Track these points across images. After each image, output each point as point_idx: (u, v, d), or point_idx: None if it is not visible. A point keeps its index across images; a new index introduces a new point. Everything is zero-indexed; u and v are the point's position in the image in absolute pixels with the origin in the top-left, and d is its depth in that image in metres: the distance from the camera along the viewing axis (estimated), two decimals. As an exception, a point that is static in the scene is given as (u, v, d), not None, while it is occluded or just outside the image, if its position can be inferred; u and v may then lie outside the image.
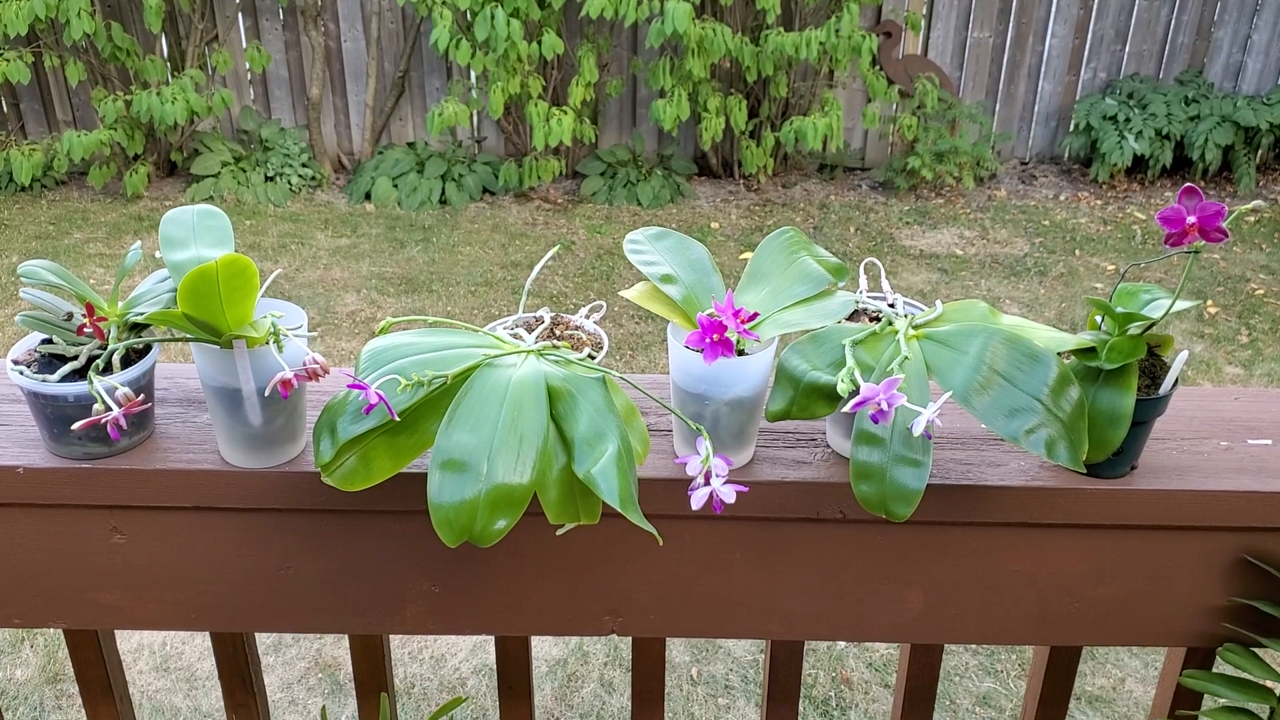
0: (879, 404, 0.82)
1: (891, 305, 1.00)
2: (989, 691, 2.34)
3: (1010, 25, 5.46)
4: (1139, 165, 5.46)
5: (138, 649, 2.43)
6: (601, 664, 2.42)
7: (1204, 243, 0.87)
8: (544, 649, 2.45)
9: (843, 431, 1.00)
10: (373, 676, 1.23)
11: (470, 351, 0.91)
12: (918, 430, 0.84)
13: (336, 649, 2.43)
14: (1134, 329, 0.94)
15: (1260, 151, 5.33)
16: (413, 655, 2.44)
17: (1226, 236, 0.87)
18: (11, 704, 2.29)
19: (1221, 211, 0.86)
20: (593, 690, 2.35)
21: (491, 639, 2.40)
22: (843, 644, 2.46)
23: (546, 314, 1.03)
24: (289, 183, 5.27)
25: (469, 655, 2.44)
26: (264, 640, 2.44)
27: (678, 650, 2.45)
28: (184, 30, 5.21)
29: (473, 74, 5.16)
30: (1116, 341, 0.92)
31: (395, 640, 2.45)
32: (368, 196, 5.23)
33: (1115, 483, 0.98)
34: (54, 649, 2.43)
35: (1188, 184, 0.88)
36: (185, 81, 4.97)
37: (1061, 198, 5.37)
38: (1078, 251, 4.78)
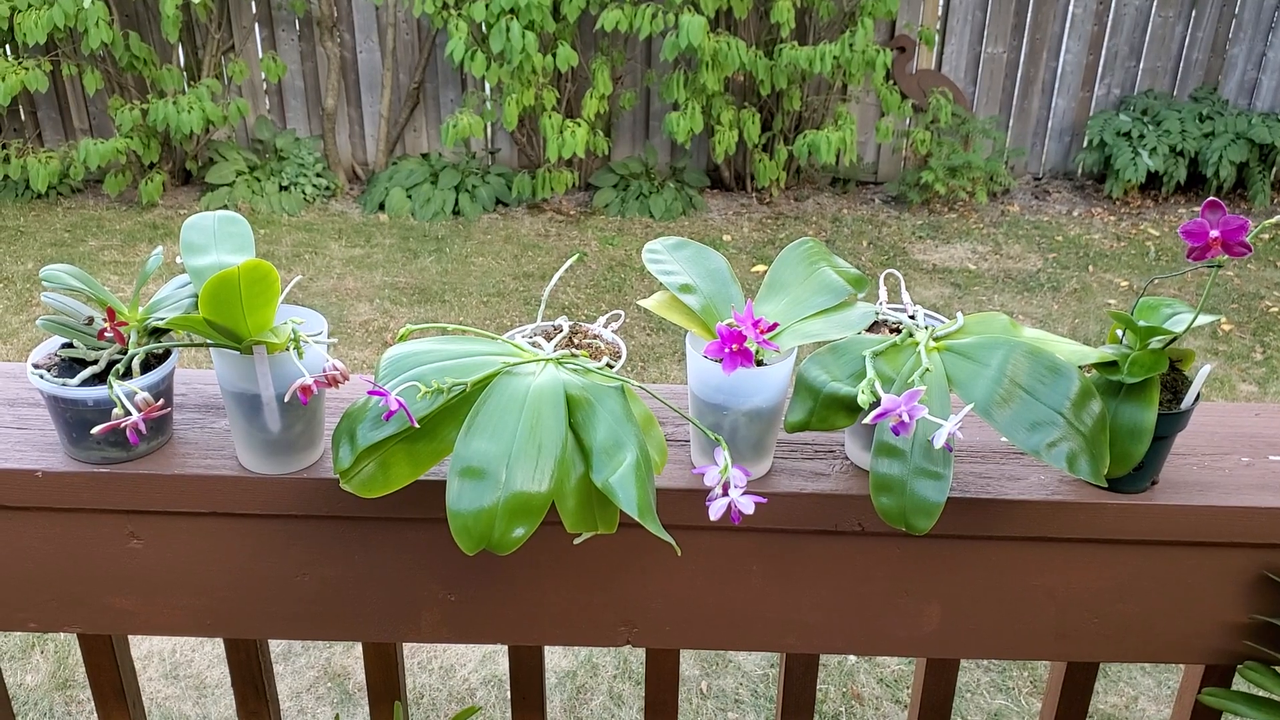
0: (900, 416, 0.82)
1: (912, 317, 1.00)
2: (1000, 709, 2.32)
3: (1024, 41, 5.46)
4: (1153, 182, 5.45)
5: (147, 656, 2.43)
6: (611, 676, 2.41)
7: (1226, 257, 0.87)
8: (553, 661, 2.45)
9: (861, 444, 1.00)
10: (386, 685, 1.22)
11: (489, 359, 0.91)
12: (939, 443, 0.83)
13: (346, 658, 2.43)
14: (1156, 343, 0.93)
15: (1275, 168, 5.31)
16: (422, 665, 2.43)
17: (1249, 250, 0.87)
18: (22, 709, 2.29)
19: (1245, 225, 0.86)
20: (602, 703, 2.34)
21: (501, 649, 2.40)
22: (853, 659, 2.45)
23: (565, 323, 1.03)
24: (303, 192, 5.29)
25: (478, 666, 2.43)
26: (273, 649, 2.44)
27: (687, 664, 2.44)
28: (201, 40, 5.24)
29: (487, 86, 5.18)
30: (1139, 355, 0.92)
31: (405, 649, 2.45)
32: (381, 207, 5.25)
33: (1136, 498, 0.97)
34: (64, 655, 2.43)
35: (1211, 198, 0.87)
36: (201, 91, 5.00)
37: (1075, 213, 5.36)
38: (1091, 268, 4.77)
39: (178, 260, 1.00)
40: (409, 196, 5.24)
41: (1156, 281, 4.43)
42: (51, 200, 5.27)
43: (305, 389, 0.89)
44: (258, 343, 0.90)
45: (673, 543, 0.84)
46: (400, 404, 0.85)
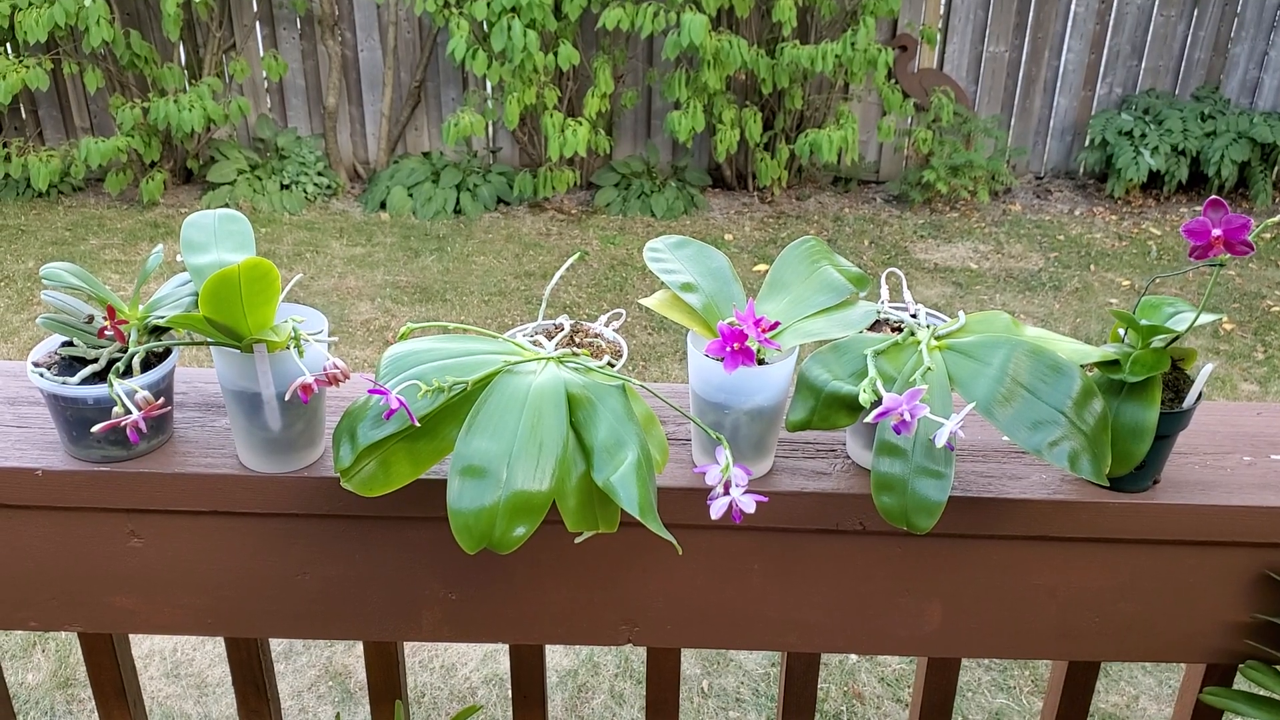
0: (901, 415, 0.82)
1: (914, 316, 1.00)
2: (1001, 708, 2.32)
3: (1026, 40, 5.46)
4: (1154, 181, 5.45)
5: (149, 655, 2.43)
6: (612, 675, 2.41)
7: (1228, 256, 0.87)
8: (554, 659, 2.45)
9: (863, 443, 1.00)
10: (387, 684, 1.22)
11: (490, 358, 0.91)
12: (940, 441, 0.83)
13: (347, 657, 2.43)
14: (1158, 342, 0.93)
15: (1276, 168, 5.30)
16: (423, 664, 2.43)
17: (1252, 249, 0.87)
18: (24, 708, 2.29)
19: (1247, 224, 0.85)
20: (603, 702, 2.34)
21: (502, 648, 2.39)
22: (854, 658, 2.45)
23: (566, 321, 1.03)
24: (304, 191, 5.28)
25: (479, 664, 2.43)
26: (274, 647, 2.44)
27: (688, 662, 2.44)
28: (202, 39, 5.24)
29: (489, 84, 5.18)
30: (1140, 354, 0.92)
31: (405, 648, 2.45)
32: (383, 205, 5.25)
33: (1137, 497, 0.97)
34: (65, 654, 2.43)
35: (1213, 197, 0.87)
36: (203, 89, 4.99)
37: (1076, 213, 5.36)
38: (1093, 267, 4.77)
39: (178, 258, 1.00)
40: (410, 195, 5.24)
41: (1158, 280, 4.42)
42: (52, 199, 5.27)
43: (306, 387, 0.88)
44: (258, 341, 0.90)
45: (674, 542, 0.83)
46: (401, 403, 0.85)
